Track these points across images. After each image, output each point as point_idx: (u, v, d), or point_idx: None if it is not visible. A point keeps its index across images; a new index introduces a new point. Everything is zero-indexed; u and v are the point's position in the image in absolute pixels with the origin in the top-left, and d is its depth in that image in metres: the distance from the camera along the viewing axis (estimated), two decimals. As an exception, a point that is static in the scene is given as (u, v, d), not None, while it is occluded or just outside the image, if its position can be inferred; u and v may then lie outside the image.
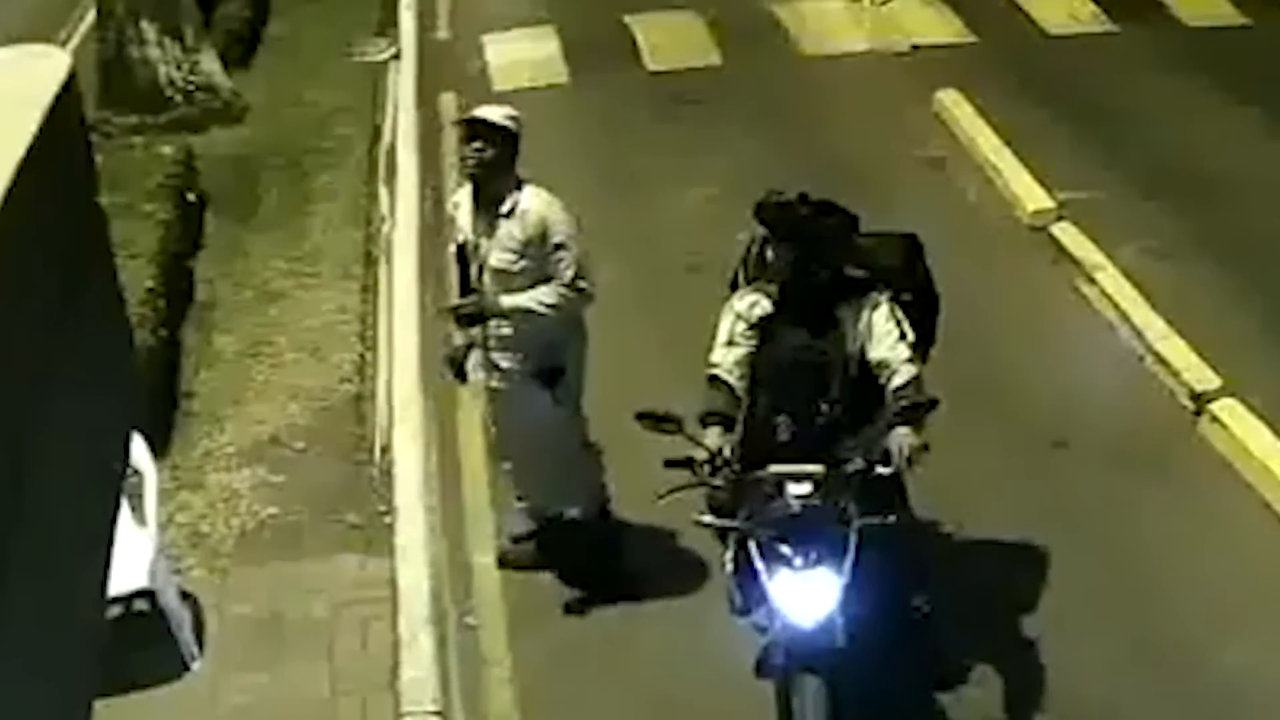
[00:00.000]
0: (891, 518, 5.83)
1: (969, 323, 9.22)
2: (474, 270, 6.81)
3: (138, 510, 6.62)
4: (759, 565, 5.76)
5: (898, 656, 6.18)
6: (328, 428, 8.74)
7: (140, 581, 6.43)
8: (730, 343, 6.11)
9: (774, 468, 5.87)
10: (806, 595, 5.70)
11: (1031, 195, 10.44)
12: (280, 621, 7.20)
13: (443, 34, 15.08)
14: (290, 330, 9.77)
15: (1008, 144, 11.11)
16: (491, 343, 6.91)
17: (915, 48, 13.47)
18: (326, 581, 7.46)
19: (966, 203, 10.75)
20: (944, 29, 13.78)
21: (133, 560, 6.33)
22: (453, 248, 7.06)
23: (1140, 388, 8.52)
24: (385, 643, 6.97)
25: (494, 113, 6.71)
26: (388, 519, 7.86)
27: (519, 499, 7.48)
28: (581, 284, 6.74)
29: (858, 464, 5.84)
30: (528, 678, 6.88)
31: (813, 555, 5.71)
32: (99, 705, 2.71)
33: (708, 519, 6.01)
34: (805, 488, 5.81)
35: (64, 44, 13.44)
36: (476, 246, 6.78)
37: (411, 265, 10.02)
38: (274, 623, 7.19)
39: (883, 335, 6.01)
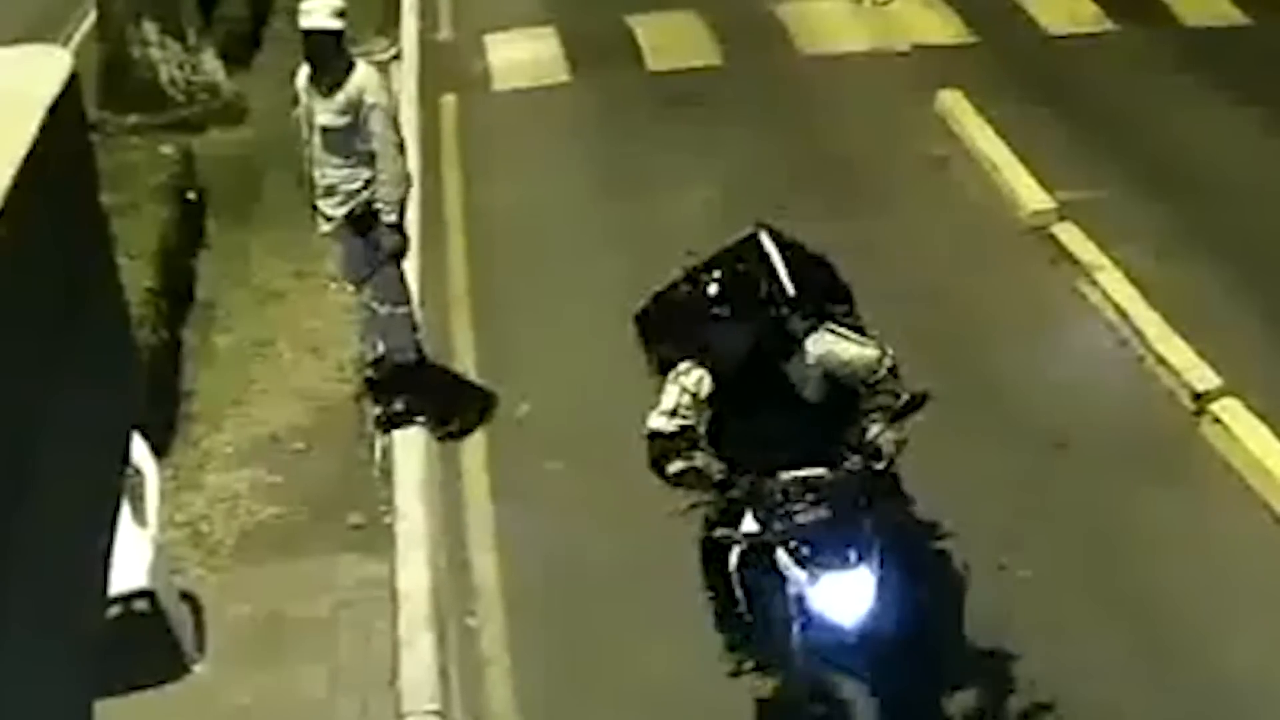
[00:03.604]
0: (905, 512, 5.88)
1: (969, 323, 9.25)
2: (305, 131, 8.38)
3: (138, 510, 6.62)
4: (793, 573, 5.78)
5: (910, 653, 6.22)
6: (328, 428, 8.74)
7: (140, 581, 6.43)
8: (674, 413, 5.94)
9: (783, 474, 5.88)
10: (850, 595, 5.74)
11: (1032, 195, 10.44)
12: (280, 621, 7.20)
13: (444, 34, 15.08)
14: (290, 330, 9.77)
15: (1008, 144, 11.10)
16: (319, 192, 8.36)
17: (916, 48, 13.47)
18: (326, 581, 7.46)
19: (967, 203, 10.74)
20: (945, 29, 13.77)
21: (133, 560, 6.32)
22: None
23: (1140, 388, 8.52)
24: (385, 643, 6.97)
25: (318, 20, 8.14)
26: (388, 519, 7.86)
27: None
28: (400, 139, 8.39)
29: (855, 464, 5.86)
30: (528, 678, 6.88)
31: (852, 556, 5.75)
32: (99, 705, 2.71)
33: (721, 532, 5.99)
34: (822, 492, 5.83)
35: (64, 44, 13.42)
36: (308, 110, 8.31)
37: (412, 263, 10.02)
38: (274, 623, 7.19)
39: (846, 358, 6.00)
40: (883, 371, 5.99)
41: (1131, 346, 8.82)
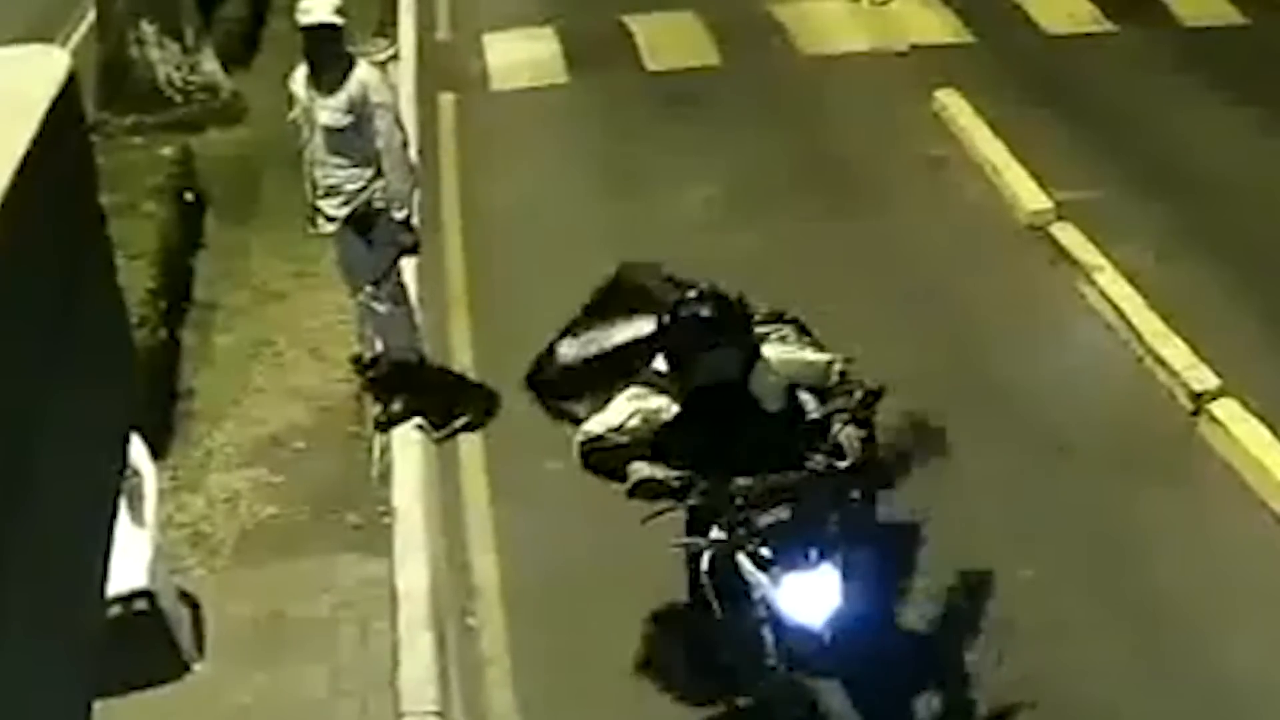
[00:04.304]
0: (871, 508, 5.88)
1: (968, 324, 9.25)
2: (305, 132, 8.33)
3: (137, 510, 6.62)
4: (756, 577, 5.77)
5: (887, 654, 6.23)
6: (328, 428, 8.75)
7: (140, 581, 6.43)
8: (618, 430, 5.86)
9: (742, 480, 5.86)
10: (814, 594, 5.73)
11: (1030, 195, 10.44)
12: (280, 621, 7.20)
13: (442, 34, 15.09)
14: (290, 330, 9.78)
15: (1007, 144, 11.11)
16: (320, 192, 8.33)
17: (914, 48, 13.47)
18: (326, 581, 7.46)
19: (965, 203, 10.75)
20: (943, 29, 13.77)
21: (132, 560, 6.33)
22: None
23: (1139, 388, 8.52)
24: (385, 643, 6.97)
25: (320, 15, 8.10)
26: (387, 519, 7.86)
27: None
28: (405, 137, 8.45)
29: (818, 463, 5.86)
30: (528, 677, 6.88)
31: (814, 555, 5.74)
32: (99, 705, 2.71)
33: (686, 541, 5.96)
34: (781, 493, 5.82)
35: (64, 44, 13.42)
36: (307, 110, 8.26)
37: (409, 262, 10.02)
38: (274, 623, 7.20)
39: (805, 361, 6.00)
40: (834, 376, 5.98)
41: (1130, 347, 8.82)
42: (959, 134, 11.56)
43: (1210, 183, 10.47)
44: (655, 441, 5.87)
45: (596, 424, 5.89)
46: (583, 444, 5.89)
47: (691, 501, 5.85)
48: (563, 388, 6.33)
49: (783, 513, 5.80)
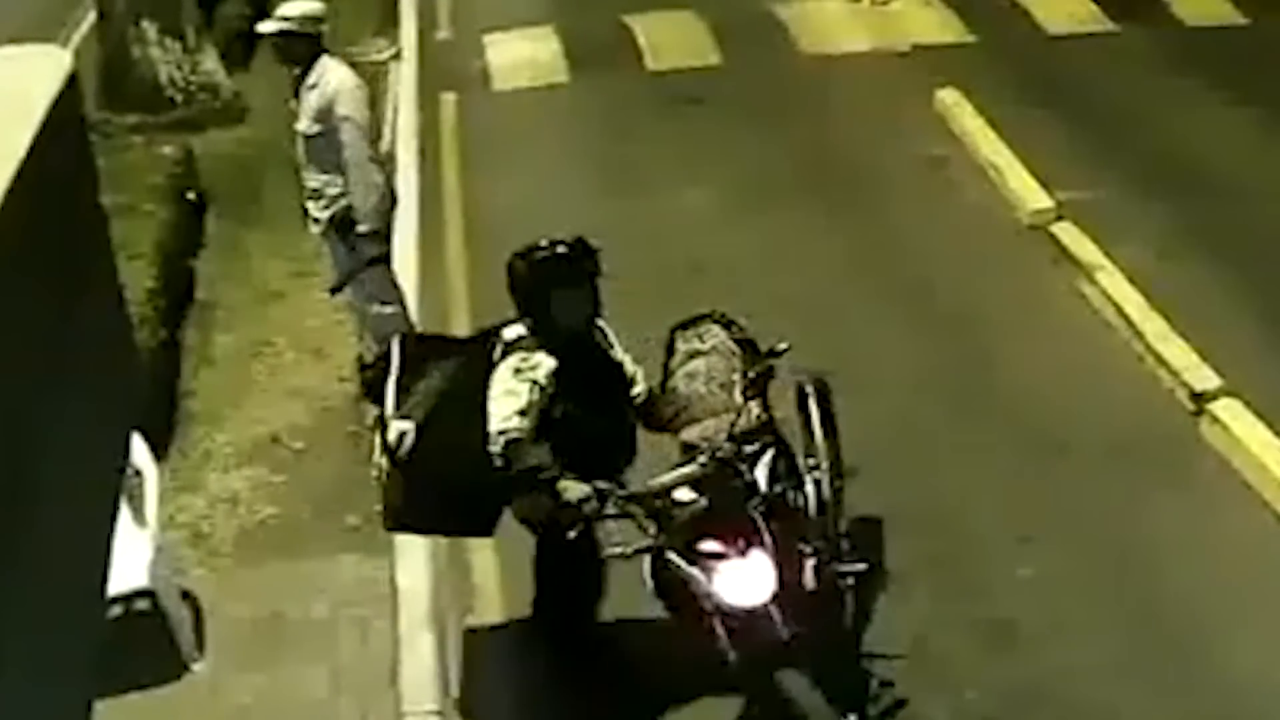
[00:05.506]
0: (796, 494, 5.92)
1: (968, 323, 9.25)
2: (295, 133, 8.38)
3: (138, 510, 6.62)
4: (691, 571, 5.76)
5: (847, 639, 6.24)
6: (328, 428, 8.74)
7: (140, 581, 6.44)
8: (525, 414, 5.78)
9: (657, 479, 5.87)
10: (749, 581, 5.73)
11: (1032, 195, 10.44)
12: (280, 621, 7.20)
13: (443, 34, 15.10)
14: (290, 330, 9.77)
15: (1008, 143, 11.11)
16: (306, 194, 8.46)
17: (915, 48, 13.48)
18: (326, 581, 7.46)
19: (966, 202, 10.75)
20: (944, 29, 13.78)
21: (133, 560, 6.33)
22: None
23: (1140, 388, 8.51)
24: (385, 643, 6.97)
25: (269, 25, 8.28)
26: (387, 519, 7.86)
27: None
28: (373, 152, 8.44)
29: (727, 450, 5.87)
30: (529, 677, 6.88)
31: (742, 542, 5.75)
32: (99, 705, 2.71)
33: (620, 549, 5.93)
34: (696, 485, 5.85)
35: (64, 44, 13.42)
36: (294, 113, 8.35)
37: (411, 261, 10.04)
38: (274, 623, 7.19)
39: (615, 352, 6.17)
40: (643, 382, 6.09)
41: (1131, 346, 8.82)
42: (960, 134, 11.56)
43: (1211, 182, 10.48)
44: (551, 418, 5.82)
45: (505, 422, 5.75)
46: (505, 449, 5.74)
47: (610, 511, 5.80)
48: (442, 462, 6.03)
49: (700, 503, 5.81)
